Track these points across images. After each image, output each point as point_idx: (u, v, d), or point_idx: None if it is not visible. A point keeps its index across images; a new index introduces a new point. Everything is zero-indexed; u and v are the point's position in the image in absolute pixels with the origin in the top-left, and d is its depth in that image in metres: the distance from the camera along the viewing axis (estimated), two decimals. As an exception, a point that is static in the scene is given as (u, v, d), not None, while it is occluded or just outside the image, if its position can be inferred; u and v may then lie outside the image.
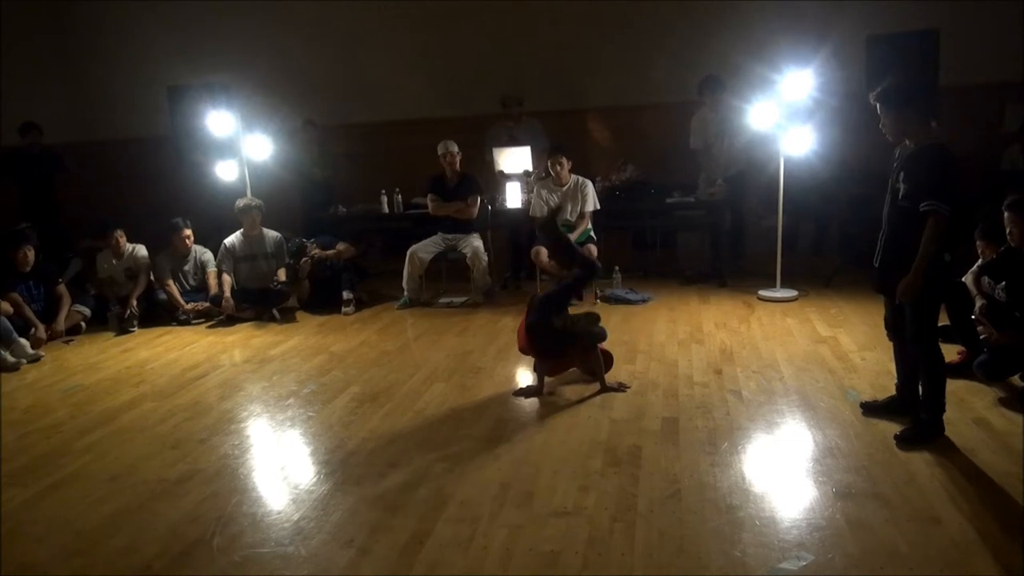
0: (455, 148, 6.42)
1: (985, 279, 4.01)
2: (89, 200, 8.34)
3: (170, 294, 6.24)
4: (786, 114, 5.68)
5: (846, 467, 3.06)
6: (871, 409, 3.58)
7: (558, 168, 6.12)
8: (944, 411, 3.27)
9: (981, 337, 3.92)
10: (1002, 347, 3.76)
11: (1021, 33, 6.79)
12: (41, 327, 5.69)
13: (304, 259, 6.41)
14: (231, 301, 6.16)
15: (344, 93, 8.58)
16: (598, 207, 6.20)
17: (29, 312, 5.70)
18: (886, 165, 3.41)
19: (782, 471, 3.10)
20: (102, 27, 9.17)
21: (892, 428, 3.36)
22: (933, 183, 3.08)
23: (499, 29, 8.07)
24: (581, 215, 6.14)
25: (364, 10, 8.39)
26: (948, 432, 3.30)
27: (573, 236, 6.05)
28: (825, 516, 2.70)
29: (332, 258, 6.46)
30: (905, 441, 3.24)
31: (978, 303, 3.95)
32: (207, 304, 6.27)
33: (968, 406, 3.61)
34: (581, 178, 6.19)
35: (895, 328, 3.43)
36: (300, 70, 8.57)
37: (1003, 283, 3.88)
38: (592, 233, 6.20)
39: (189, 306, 6.24)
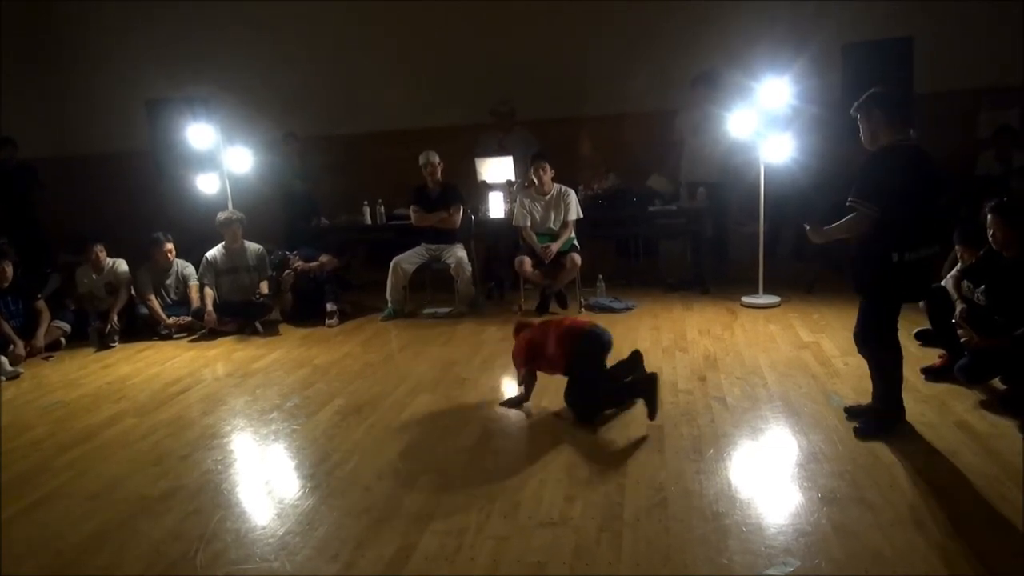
0: (436, 158, 6.42)
1: (965, 283, 4.06)
2: (69, 215, 8.27)
3: (151, 309, 6.18)
4: (765, 122, 5.73)
5: (830, 472, 3.08)
6: (855, 414, 3.61)
7: (541, 174, 6.12)
8: (899, 397, 3.40)
9: (962, 341, 3.96)
10: (982, 350, 3.81)
11: (994, 40, 6.90)
12: (20, 343, 5.62)
13: (287, 271, 6.38)
14: (213, 315, 6.12)
15: (325, 105, 8.56)
16: (581, 216, 6.21)
17: (7, 328, 5.62)
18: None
19: (767, 477, 3.11)
20: (80, 41, 9.11)
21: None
22: (863, 182, 3.22)
23: (481, 40, 8.08)
24: (564, 224, 6.15)
25: (345, 22, 8.39)
26: (929, 435, 3.35)
27: (556, 245, 6.07)
28: (811, 521, 2.72)
29: (315, 270, 6.43)
30: (864, 433, 3.36)
31: (958, 307, 4.00)
32: (189, 318, 6.22)
33: (950, 409, 3.64)
34: (564, 187, 6.20)
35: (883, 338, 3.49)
36: (280, 82, 8.54)
37: (982, 287, 3.93)
38: (575, 242, 6.21)
39: (171, 320, 6.18)
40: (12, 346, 5.57)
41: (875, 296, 3.35)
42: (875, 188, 3.18)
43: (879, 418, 3.42)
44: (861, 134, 3.34)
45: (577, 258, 6.01)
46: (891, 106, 3.24)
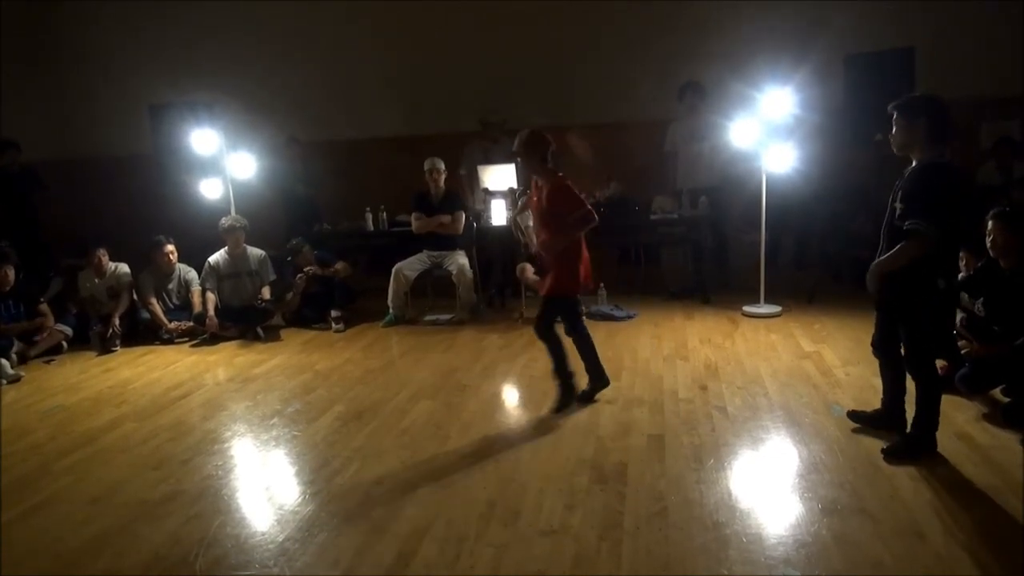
0: (441, 165, 6.43)
1: (964, 295, 4.07)
2: (71, 218, 8.27)
3: (153, 313, 6.19)
4: (767, 131, 5.75)
5: (831, 482, 3.08)
6: (858, 419, 3.61)
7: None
8: (936, 428, 3.28)
9: (963, 352, 3.96)
10: (983, 359, 3.81)
11: (995, 52, 6.92)
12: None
13: (300, 275, 6.39)
14: (215, 320, 6.12)
15: (328, 110, 8.58)
16: None
17: (10, 330, 5.65)
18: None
19: (768, 487, 3.11)
20: (84, 45, 9.12)
21: (876, 443, 3.39)
22: (926, 202, 3.01)
23: (483, 47, 8.10)
24: None
25: (348, 27, 8.40)
26: (931, 446, 3.34)
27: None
28: (811, 532, 2.71)
29: (329, 275, 6.45)
30: (893, 455, 3.26)
31: (958, 316, 4.00)
32: (191, 323, 6.23)
33: (951, 420, 3.63)
34: None
35: (883, 348, 3.47)
36: (284, 87, 8.55)
37: (981, 299, 3.94)
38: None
39: (172, 325, 6.19)
40: (17, 345, 5.60)
41: (923, 322, 3.19)
42: (935, 209, 2.99)
43: (912, 444, 3.30)
44: (892, 134, 3.18)
45: None
46: (940, 120, 3.06)
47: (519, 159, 4.52)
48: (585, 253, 4.12)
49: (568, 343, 4.17)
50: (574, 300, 4.14)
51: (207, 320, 6.11)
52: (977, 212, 3.99)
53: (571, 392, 4.11)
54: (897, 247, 3.10)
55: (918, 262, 3.06)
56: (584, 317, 4.35)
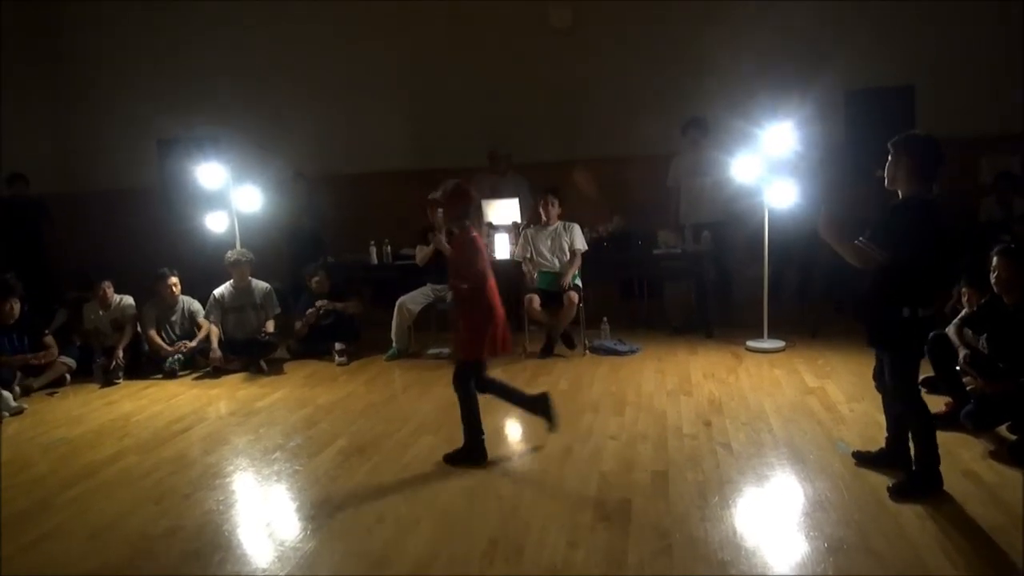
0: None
1: (967, 331, 4.07)
2: (78, 250, 8.33)
3: (151, 341, 6.20)
4: (769, 167, 5.80)
5: (837, 520, 3.05)
6: (864, 459, 3.58)
7: (549, 208, 6.25)
8: (939, 462, 3.26)
9: (968, 388, 3.95)
10: (988, 396, 3.80)
11: (995, 90, 6.99)
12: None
13: (310, 310, 6.41)
14: (219, 353, 6.12)
15: (334, 145, 8.67)
16: (586, 247, 6.30)
17: (13, 362, 5.67)
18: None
19: (773, 525, 3.08)
20: (94, 81, 9.26)
21: (882, 480, 3.36)
22: (887, 232, 3.14)
23: (488, 82, 8.21)
24: (573, 253, 6.21)
25: (353, 64, 8.52)
26: (937, 484, 3.31)
27: (568, 275, 6.11)
28: (817, 571, 2.69)
29: (339, 311, 6.48)
30: (898, 493, 3.23)
31: (962, 353, 4.00)
32: (192, 344, 6.26)
33: (957, 458, 3.61)
34: (568, 222, 6.32)
35: (882, 379, 3.46)
36: (289, 123, 8.66)
37: (985, 335, 3.94)
38: (579, 281, 6.24)
39: (174, 347, 6.20)
40: (18, 375, 5.61)
41: (904, 354, 3.26)
42: (888, 238, 3.13)
43: (917, 481, 3.27)
44: (886, 169, 3.28)
45: (575, 296, 6.01)
46: (921, 157, 3.16)
47: (440, 208, 4.64)
48: (498, 318, 3.93)
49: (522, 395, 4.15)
50: (474, 363, 3.98)
51: (211, 353, 6.11)
52: (980, 248, 4.01)
53: (480, 452, 3.95)
54: (848, 244, 3.19)
55: (884, 291, 3.18)
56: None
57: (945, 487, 3.26)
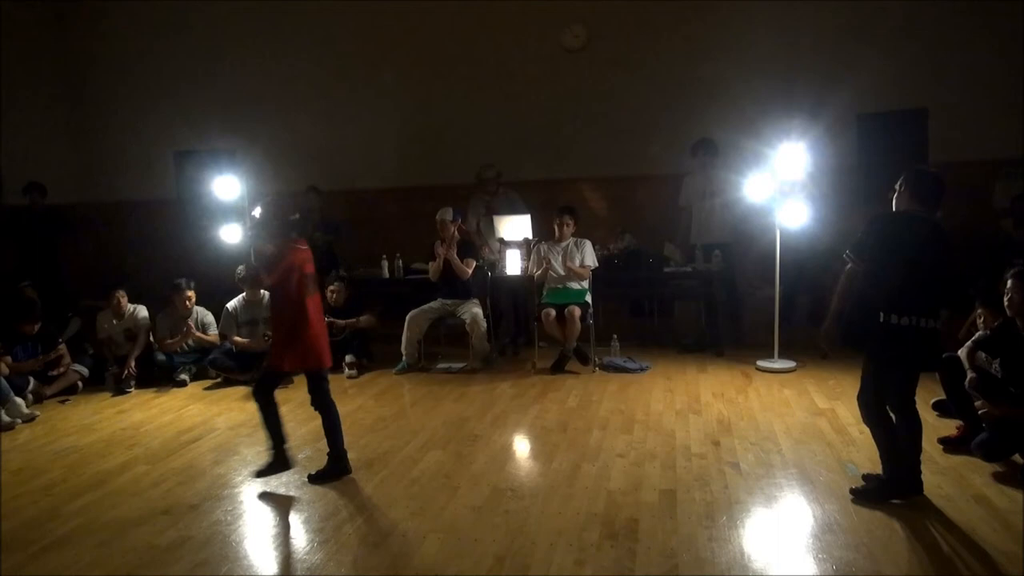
0: (448, 216, 6.45)
1: (981, 354, 4.04)
2: (93, 260, 8.41)
3: (162, 346, 6.30)
4: (781, 188, 5.80)
5: (846, 544, 3.03)
6: (870, 483, 3.56)
7: (564, 228, 6.31)
8: (919, 468, 3.37)
9: (980, 413, 3.92)
10: (1001, 424, 3.76)
11: (1008, 113, 6.97)
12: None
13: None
14: (241, 339, 6.23)
15: (348, 160, 8.72)
16: (596, 264, 6.33)
17: (25, 366, 5.75)
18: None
19: (781, 547, 3.06)
20: (113, 93, 9.37)
21: (891, 503, 3.34)
22: (854, 238, 3.43)
23: (500, 99, 8.27)
24: (582, 265, 6.28)
25: (368, 79, 8.61)
26: (947, 508, 3.29)
27: (573, 265, 6.22)
28: (825, 594, 2.67)
29: (352, 326, 6.51)
30: (858, 496, 3.39)
31: (969, 376, 3.97)
32: (198, 333, 6.37)
33: (967, 483, 3.58)
34: (579, 239, 6.38)
35: (868, 409, 3.53)
36: (304, 137, 8.75)
37: (999, 359, 3.91)
38: (588, 298, 6.25)
39: (185, 332, 6.30)
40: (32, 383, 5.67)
41: (874, 357, 3.48)
42: (860, 245, 3.40)
43: (879, 486, 3.42)
44: (894, 200, 3.50)
45: (576, 311, 5.99)
46: (917, 186, 3.39)
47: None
48: (312, 331, 3.94)
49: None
50: (274, 373, 4.03)
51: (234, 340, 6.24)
52: (996, 271, 4.03)
53: (282, 461, 4.00)
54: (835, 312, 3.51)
55: (861, 295, 3.40)
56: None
57: (955, 511, 3.25)
